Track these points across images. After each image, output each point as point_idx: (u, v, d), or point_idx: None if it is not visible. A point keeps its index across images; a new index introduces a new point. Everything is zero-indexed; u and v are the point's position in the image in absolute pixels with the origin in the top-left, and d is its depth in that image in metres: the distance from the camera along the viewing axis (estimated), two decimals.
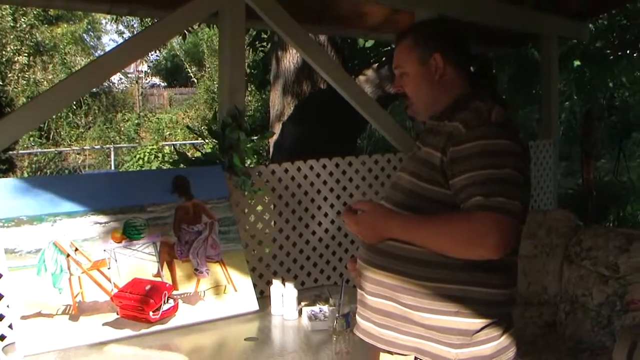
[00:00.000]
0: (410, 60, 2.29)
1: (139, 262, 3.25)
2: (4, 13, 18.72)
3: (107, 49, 26.89)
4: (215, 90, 21.60)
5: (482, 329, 2.09)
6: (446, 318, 2.08)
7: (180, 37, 9.70)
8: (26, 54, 19.87)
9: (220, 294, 3.39)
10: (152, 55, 26.45)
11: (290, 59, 7.33)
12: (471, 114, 2.11)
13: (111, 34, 34.55)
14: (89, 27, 25.70)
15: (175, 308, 3.20)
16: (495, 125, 2.08)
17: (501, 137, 2.05)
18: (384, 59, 7.62)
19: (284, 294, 3.33)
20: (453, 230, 1.99)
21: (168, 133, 21.37)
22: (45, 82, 20.13)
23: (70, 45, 22.95)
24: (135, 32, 23.24)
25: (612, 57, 9.40)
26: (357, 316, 2.36)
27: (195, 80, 24.95)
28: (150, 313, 3.09)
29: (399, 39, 2.36)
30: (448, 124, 2.15)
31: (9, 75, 19.18)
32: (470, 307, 2.08)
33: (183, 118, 22.21)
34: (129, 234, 3.27)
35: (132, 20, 23.76)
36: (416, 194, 2.15)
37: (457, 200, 2.03)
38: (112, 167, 18.52)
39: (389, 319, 2.18)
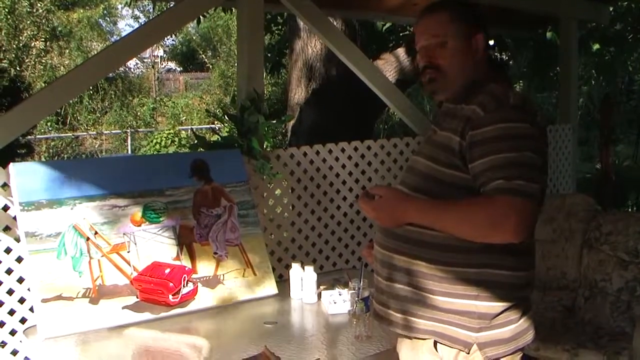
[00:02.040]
0: (452, 33, 2.22)
1: (159, 245, 3.26)
2: None
3: (123, 34, 26.91)
4: (230, 75, 21.62)
5: (501, 312, 2.09)
6: (466, 302, 2.08)
7: (195, 22, 9.66)
8: (43, 39, 19.90)
9: (239, 278, 3.40)
10: (168, 39, 26.49)
11: (309, 42, 7.29)
12: (489, 97, 2.10)
13: (127, 19, 34.65)
14: (105, 12, 25.74)
15: (194, 291, 3.21)
16: (513, 108, 2.07)
17: (520, 120, 2.03)
18: (401, 42, 7.59)
19: (303, 277, 3.33)
20: (474, 214, 1.97)
21: (184, 117, 21.39)
22: (61, 67, 20.20)
23: (87, 30, 22.99)
24: (151, 17, 23.25)
25: (631, 40, 9.31)
26: (374, 301, 2.36)
27: (210, 66, 24.94)
28: (170, 296, 3.10)
29: (434, 11, 2.27)
30: (465, 107, 2.14)
31: (26, 60, 19.24)
32: (490, 290, 2.08)
33: (199, 103, 22.21)
34: (148, 217, 3.28)
35: (148, 5, 23.75)
36: (434, 178, 2.14)
37: (477, 184, 2.02)
38: (129, 152, 18.58)
39: (407, 304, 2.17)
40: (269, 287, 3.47)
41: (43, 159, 16.13)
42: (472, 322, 2.08)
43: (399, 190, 2.21)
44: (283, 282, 3.60)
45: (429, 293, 2.12)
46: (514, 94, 2.11)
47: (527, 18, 6.76)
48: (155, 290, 3.10)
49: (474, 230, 1.99)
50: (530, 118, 2.07)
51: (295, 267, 3.40)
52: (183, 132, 17.36)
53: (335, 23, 6.76)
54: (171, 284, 3.11)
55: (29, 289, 3.10)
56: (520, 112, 2.07)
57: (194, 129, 17.57)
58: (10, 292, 3.14)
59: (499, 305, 2.09)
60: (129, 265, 3.14)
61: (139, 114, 21.49)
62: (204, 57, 25.95)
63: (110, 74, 19.79)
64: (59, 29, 21.78)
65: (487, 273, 2.07)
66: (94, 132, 19.62)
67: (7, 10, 18.26)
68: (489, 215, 1.94)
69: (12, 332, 3.15)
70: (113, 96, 21.78)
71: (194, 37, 26.94)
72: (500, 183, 1.94)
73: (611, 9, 8.10)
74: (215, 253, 3.40)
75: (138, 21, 26.61)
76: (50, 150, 17.52)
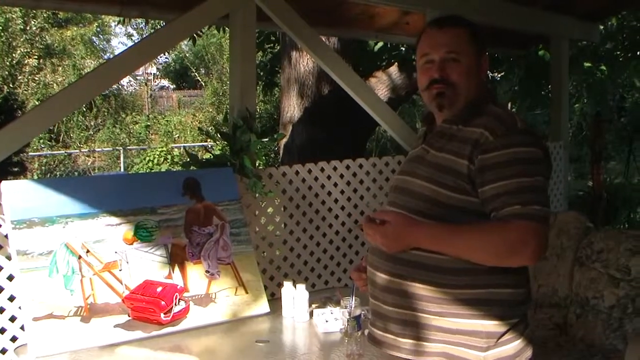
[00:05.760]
0: (469, 51, 2.23)
1: (151, 264, 3.25)
2: (14, 16, 18.79)
3: (117, 51, 26.98)
4: (222, 92, 21.65)
5: (507, 330, 2.11)
6: (473, 322, 2.09)
7: (190, 40, 9.68)
8: (36, 57, 19.93)
9: (231, 296, 3.39)
10: (161, 57, 26.51)
11: (301, 61, 7.32)
12: (495, 121, 2.11)
13: (120, 36, 34.70)
14: (98, 29, 25.75)
15: (186, 310, 3.21)
16: (523, 133, 2.10)
17: (531, 144, 2.07)
18: (393, 60, 7.62)
19: (295, 296, 3.33)
20: (491, 240, 2.00)
21: (177, 135, 21.40)
22: (55, 85, 20.20)
23: (80, 48, 23.02)
24: (144, 35, 23.32)
25: (622, 58, 9.37)
26: (371, 327, 2.33)
27: (203, 83, 24.99)
28: (162, 315, 3.09)
29: (452, 25, 2.28)
30: (464, 128, 2.15)
31: (19, 77, 19.25)
32: (496, 309, 2.10)
33: (192, 120, 22.23)
34: (140, 235, 3.28)
35: (142, 23, 23.81)
36: (438, 202, 2.13)
37: (488, 208, 2.04)
38: (122, 169, 18.57)
39: (414, 328, 2.16)
40: (261, 305, 3.46)
41: (35, 177, 16.11)
42: (480, 342, 2.09)
43: (406, 215, 2.18)
44: (275, 300, 3.59)
45: (437, 315, 2.12)
46: (520, 118, 2.15)
47: (518, 37, 6.81)
48: (147, 308, 3.09)
49: (490, 255, 2.02)
50: (539, 142, 2.12)
51: (287, 285, 3.40)
52: (176, 149, 17.37)
53: (329, 41, 6.80)
54: (163, 303, 3.11)
55: (20, 308, 3.09)
56: (530, 136, 2.11)
57: (187, 147, 17.60)
58: (1, 310, 3.13)
59: (505, 323, 2.11)
60: (121, 283, 3.13)
61: (132, 131, 21.50)
62: (196, 74, 26.00)
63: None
64: (52, 46, 21.79)
65: (492, 293, 2.09)
66: (87, 150, 19.61)
67: (0, 27, 18.28)
68: (508, 240, 1.97)
69: (3, 351, 3.13)
70: (106, 113, 21.79)
71: (187, 55, 26.99)
72: (517, 208, 1.97)
73: (601, 27, 8.16)
74: (207, 271, 3.40)
75: (131, 39, 26.65)
76: (43, 168, 17.50)
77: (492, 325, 2.09)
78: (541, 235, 1.96)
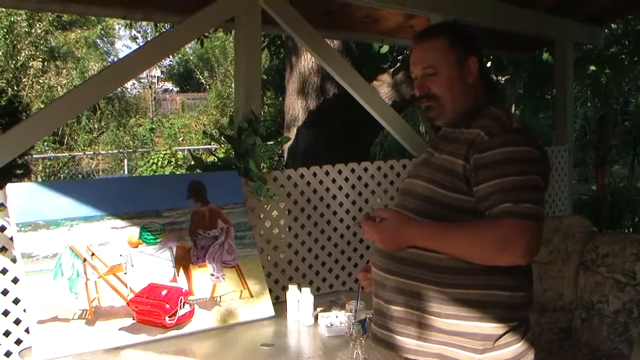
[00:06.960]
0: (446, 61, 2.24)
1: (155, 267, 3.25)
2: (19, 19, 18.82)
3: (121, 54, 27.10)
4: (227, 95, 21.66)
5: (505, 333, 2.10)
6: (470, 323, 2.08)
7: (197, 43, 9.69)
8: (40, 59, 19.95)
9: (236, 300, 3.39)
10: (165, 60, 26.52)
11: (305, 64, 7.33)
12: (491, 121, 2.13)
13: (124, 39, 34.77)
14: (102, 32, 25.79)
15: (191, 313, 3.21)
16: (517, 132, 2.11)
17: (524, 144, 2.07)
18: (398, 64, 7.62)
19: (299, 299, 3.33)
20: (483, 237, 2.00)
21: (181, 138, 21.40)
22: (59, 87, 20.22)
23: (84, 50, 23.06)
24: (148, 38, 23.34)
25: (627, 62, 9.35)
26: (373, 325, 2.34)
27: (207, 86, 25.00)
28: (167, 318, 3.10)
29: (427, 38, 2.31)
30: (465, 131, 2.17)
31: (24, 80, 19.27)
32: (493, 311, 2.09)
33: (196, 123, 22.22)
34: (145, 238, 3.28)
35: (146, 26, 23.84)
36: (436, 202, 2.14)
37: (482, 206, 2.04)
38: (126, 172, 18.56)
39: (410, 327, 2.16)
40: (266, 309, 3.46)
41: (39, 179, 16.12)
42: (476, 344, 2.09)
43: (403, 213, 2.20)
44: (280, 304, 3.59)
45: (433, 315, 2.12)
46: (516, 118, 2.16)
47: (522, 40, 6.80)
48: (152, 311, 3.09)
49: (483, 252, 2.01)
50: (534, 141, 2.11)
51: (292, 289, 3.40)
52: (180, 152, 17.35)
53: (333, 44, 6.79)
54: (168, 306, 3.11)
55: (24, 310, 3.09)
56: (524, 135, 2.12)
57: (191, 150, 17.58)
58: (5, 313, 3.13)
59: (503, 326, 2.10)
60: (126, 286, 3.13)
61: (135, 134, 21.50)
62: (200, 77, 26.02)
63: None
64: (57, 49, 21.82)
65: (489, 294, 2.09)
66: (91, 152, 19.62)
67: (5, 30, 18.32)
68: (499, 237, 1.97)
69: (7, 354, 3.13)
70: (110, 116, 21.80)
71: (191, 58, 27.02)
72: (509, 206, 1.97)
73: (606, 31, 8.15)
74: (212, 275, 3.39)
75: (136, 42, 26.68)
76: (47, 170, 17.50)
77: (488, 328, 2.08)
78: (533, 234, 1.95)
